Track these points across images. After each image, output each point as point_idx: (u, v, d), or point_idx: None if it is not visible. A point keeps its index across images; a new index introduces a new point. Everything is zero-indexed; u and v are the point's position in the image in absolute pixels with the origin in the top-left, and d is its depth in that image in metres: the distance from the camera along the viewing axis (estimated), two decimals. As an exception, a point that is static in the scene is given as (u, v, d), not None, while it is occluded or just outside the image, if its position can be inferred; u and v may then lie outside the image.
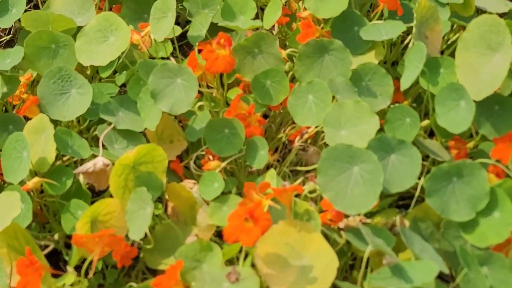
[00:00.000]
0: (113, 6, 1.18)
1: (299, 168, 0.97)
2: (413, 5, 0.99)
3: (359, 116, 0.87)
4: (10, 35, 1.32)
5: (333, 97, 0.90)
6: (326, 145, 1.02)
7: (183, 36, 1.13)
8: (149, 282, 0.78)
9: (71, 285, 0.78)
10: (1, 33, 1.35)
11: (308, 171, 0.95)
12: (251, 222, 0.72)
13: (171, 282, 0.73)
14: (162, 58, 1.06)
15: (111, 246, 0.77)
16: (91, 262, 0.75)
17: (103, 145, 0.89)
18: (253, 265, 0.77)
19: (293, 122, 0.97)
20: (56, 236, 0.95)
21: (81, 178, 0.87)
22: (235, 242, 0.73)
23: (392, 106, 0.95)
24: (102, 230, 0.77)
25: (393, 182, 0.83)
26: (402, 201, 1.02)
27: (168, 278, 0.73)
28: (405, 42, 1.08)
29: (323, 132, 0.95)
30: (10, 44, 1.29)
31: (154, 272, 0.91)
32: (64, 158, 0.95)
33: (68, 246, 0.95)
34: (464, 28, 1.04)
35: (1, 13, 1.07)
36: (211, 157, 0.96)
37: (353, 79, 0.95)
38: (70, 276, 0.77)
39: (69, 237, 0.97)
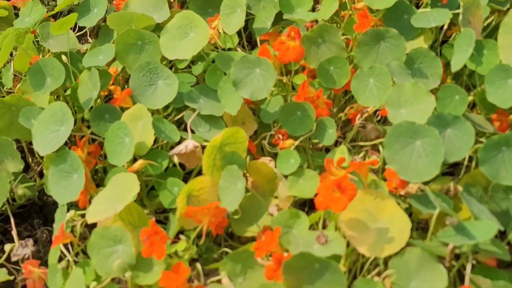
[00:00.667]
0: (178, 3, 1.27)
1: (360, 143, 1.08)
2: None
3: (417, 96, 0.98)
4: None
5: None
6: (381, 122, 1.14)
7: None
8: (242, 247, 0.91)
9: (182, 250, 0.90)
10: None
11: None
12: (338, 192, 0.83)
13: (272, 245, 0.83)
14: (229, 49, 1.15)
15: (215, 217, 0.88)
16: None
17: (191, 131, 1.00)
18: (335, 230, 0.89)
19: (351, 103, 1.08)
20: (146, 211, 1.07)
21: (175, 159, 0.99)
22: (326, 209, 0.84)
23: (442, 85, 1.05)
24: (210, 203, 0.88)
25: (450, 153, 0.94)
26: (447, 169, 1.12)
27: (268, 242, 0.84)
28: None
29: (377, 111, 1.06)
30: (80, 39, 1.37)
31: (239, 239, 1.04)
32: (157, 143, 1.05)
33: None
34: (500, 11, 1.14)
35: (84, 13, 1.17)
36: (281, 136, 1.06)
37: (407, 63, 1.05)
38: (182, 243, 0.89)
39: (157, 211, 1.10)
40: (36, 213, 1.21)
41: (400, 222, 0.86)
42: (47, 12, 1.20)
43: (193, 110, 1.04)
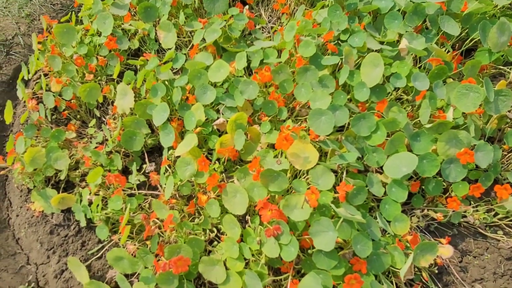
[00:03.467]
0: (218, 55, 2.38)
1: (299, 118, 2.12)
2: None
3: (323, 96, 2.01)
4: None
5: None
6: (307, 107, 2.15)
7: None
8: (244, 166, 1.93)
9: (217, 167, 1.98)
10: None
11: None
12: (286, 140, 1.81)
13: (256, 165, 1.76)
14: (239, 76, 2.24)
15: (231, 152, 1.95)
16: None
17: (222, 114, 2.09)
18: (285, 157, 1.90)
19: (294, 100, 2.13)
20: (203, 151, 2.18)
21: (215, 127, 2.08)
22: (280, 148, 1.83)
23: (336, 91, 2.07)
24: (230, 147, 1.94)
25: (337, 122, 1.93)
26: (338, 129, 2.11)
27: (255, 163, 1.78)
28: None
29: (307, 103, 2.10)
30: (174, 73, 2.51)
31: (243, 162, 2.10)
32: (207, 119, 2.14)
33: (207, 156, 2.15)
34: (363, 56, 2.13)
35: (175, 60, 2.31)
36: (263, 116, 2.12)
37: (319, 81, 2.08)
38: (217, 164, 1.98)
39: (208, 151, 2.19)
40: (156, 152, 2.34)
41: (314, 153, 1.77)
42: (159, 61, 2.33)
43: (223, 104, 2.13)
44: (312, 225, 1.58)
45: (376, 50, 2.10)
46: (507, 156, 2.16)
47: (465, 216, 1.98)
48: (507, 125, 2.22)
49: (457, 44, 2.47)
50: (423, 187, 1.98)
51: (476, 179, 2.00)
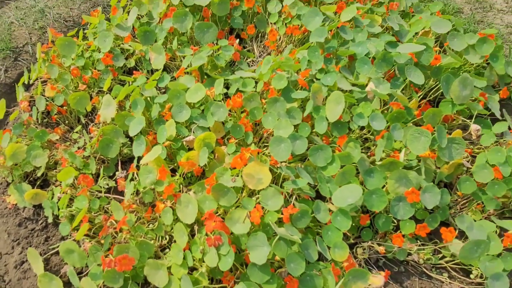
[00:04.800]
0: (201, 81, 2.57)
1: (265, 144, 2.26)
2: None
3: (287, 126, 2.16)
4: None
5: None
6: (271, 135, 2.30)
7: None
8: (202, 181, 2.06)
9: (177, 179, 2.12)
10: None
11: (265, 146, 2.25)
12: (240, 159, 1.98)
13: (212, 180, 1.96)
14: (216, 100, 2.42)
15: (195, 168, 2.10)
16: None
17: (193, 132, 2.25)
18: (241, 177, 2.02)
19: (262, 127, 2.28)
20: (170, 164, 2.32)
21: (185, 142, 2.23)
22: (233, 166, 1.98)
23: (302, 122, 2.22)
24: (193, 163, 2.09)
25: (296, 151, 2.08)
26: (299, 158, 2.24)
27: (211, 179, 1.95)
28: None
29: (272, 132, 2.24)
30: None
31: (205, 177, 2.23)
32: (178, 135, 2.30)
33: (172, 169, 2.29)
34: (330, 94, 2.30)
35: (160, 80, 2.50)
36: (231, 138, 2.27)
37: (287, 112, 2.24)
38: (177, 176, 2.12)
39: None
40: (132, 161, 2.48)
41: (267, 176, 1.90)
42: (147, 78, 2.53)
43: (196, 124, 2.29)
44: (249, 239, 1.68)
45: (347, 91, 2.27)
46: (460, 202, 2.25)
47: (410, 254, 2.05)
48: (464, 173, 2.32)
49: (429, 94, 2.63)
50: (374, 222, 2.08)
51: (422, 219, 2.08)
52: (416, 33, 2.88)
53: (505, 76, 2.83)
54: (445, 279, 2.03)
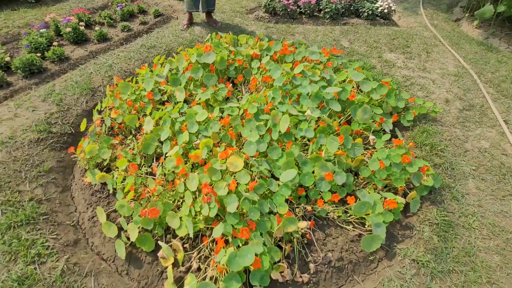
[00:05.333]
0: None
1: (244, 146, 2.58)
2: None
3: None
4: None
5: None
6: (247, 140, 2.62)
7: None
8: (202, 167, 2.41)
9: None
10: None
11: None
12: (226, 154, 2.32)
13: (208, 166, 2.34)
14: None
15: (200, 160, 2.42)
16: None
17: (199, 138, 2.57)
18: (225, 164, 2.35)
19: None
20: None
21: (194, 144, 2.55)
22: (222, 159, 2.34)
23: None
24: (196, 155, 2.42)
25: (261, 149, 2.40)
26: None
27: (207, 165, 2.34)
28: None
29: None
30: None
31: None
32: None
33: None
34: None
35: (181, 107, 2.83)
36: None
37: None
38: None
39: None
40: (160, 155, 2.79)
41: (241, 163, 2.14)
42: (173, 107, 2.87)
43: (201, 133, 2.61)
44: (227, 198, 1.99)
45: (294, 114, 2.61)
46: (363, 183, 2.55)
47: (329, 213, 2.34)
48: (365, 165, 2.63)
49: (348, 118, 2.96)
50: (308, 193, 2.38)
51: (335, 191, 2.38)
52: (343, 81, 3.23)
53: (396, 108, 3.19)
54: (351, 228, 2.31)
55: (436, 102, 3.52)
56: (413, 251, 2.16)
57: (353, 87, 3.15)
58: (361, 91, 3.12)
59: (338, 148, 2.41)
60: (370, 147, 2.77)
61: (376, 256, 2.18)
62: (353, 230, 2.28)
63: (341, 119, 2.88)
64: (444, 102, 3.52)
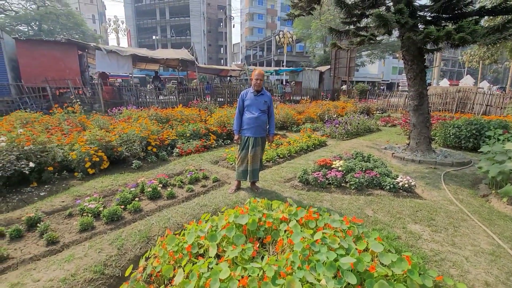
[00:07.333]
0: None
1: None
2: None
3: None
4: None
5: None
6: None
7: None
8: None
9: None
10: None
11: None
12: None
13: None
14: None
15: None
16: None
17: None
18: None
19: None
20: None
21: None
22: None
23: None
24: None
25: None
26: None
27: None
28: None
29: None
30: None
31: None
32: None
33: None
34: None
35: (210, 263, 2.96)
36: None
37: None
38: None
39: None
40: None
41: None
42: (204, 261, 3.01)
43: None
44: None
45: (309, 282, 2.49)
46: None
47: None
48: None
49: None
50: None
51: None
52: (365, 250, 3.08)
53: (423, 286, 2.78)
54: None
55: (474, 285, 2.99)
56: None
57: (373, 258, 2.97)
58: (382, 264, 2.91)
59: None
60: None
61: None
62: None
63: None
64: (484, 286, 2.97)
